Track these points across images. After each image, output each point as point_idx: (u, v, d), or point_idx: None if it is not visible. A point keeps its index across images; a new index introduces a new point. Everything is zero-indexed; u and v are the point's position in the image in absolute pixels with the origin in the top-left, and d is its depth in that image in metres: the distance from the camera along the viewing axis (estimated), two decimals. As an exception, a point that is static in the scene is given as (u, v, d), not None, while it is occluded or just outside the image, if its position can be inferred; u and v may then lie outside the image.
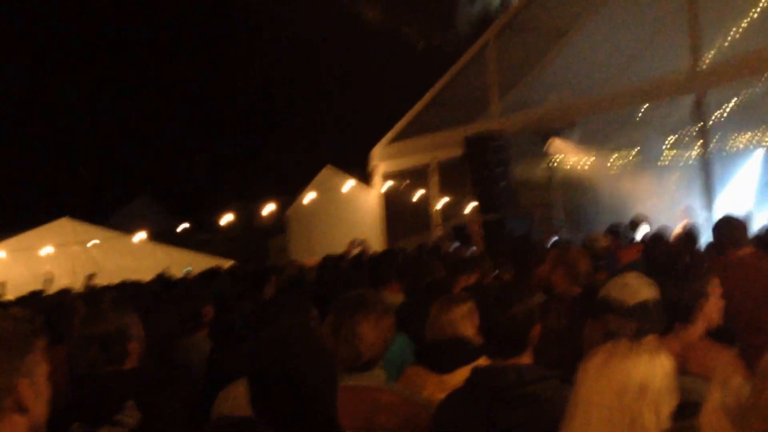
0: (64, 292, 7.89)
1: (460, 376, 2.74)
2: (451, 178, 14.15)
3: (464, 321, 3.16)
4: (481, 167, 12.24)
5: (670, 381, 1.90)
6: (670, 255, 4.46)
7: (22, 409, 1.57)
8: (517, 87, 13.75)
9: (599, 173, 14.02)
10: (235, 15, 34.61)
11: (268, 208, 15.39)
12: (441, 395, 2.66)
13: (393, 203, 15.58)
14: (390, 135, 15.61)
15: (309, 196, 16.40)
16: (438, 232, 14.40)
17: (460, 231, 13.03)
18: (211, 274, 8.89)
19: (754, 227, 6.92)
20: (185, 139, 35.01)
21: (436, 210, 14.77)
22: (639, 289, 2.77)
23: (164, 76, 33.93)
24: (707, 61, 10.95)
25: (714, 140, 11.68)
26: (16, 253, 14.88)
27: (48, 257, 14.91)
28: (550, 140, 13.22)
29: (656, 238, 6.11)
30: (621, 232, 7.61)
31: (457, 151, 12.79)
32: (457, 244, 11.49)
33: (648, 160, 14.45)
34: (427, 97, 14.61)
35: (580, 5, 12.66)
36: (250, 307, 4.55)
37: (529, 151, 13.53)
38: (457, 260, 6.13)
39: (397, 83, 24.56)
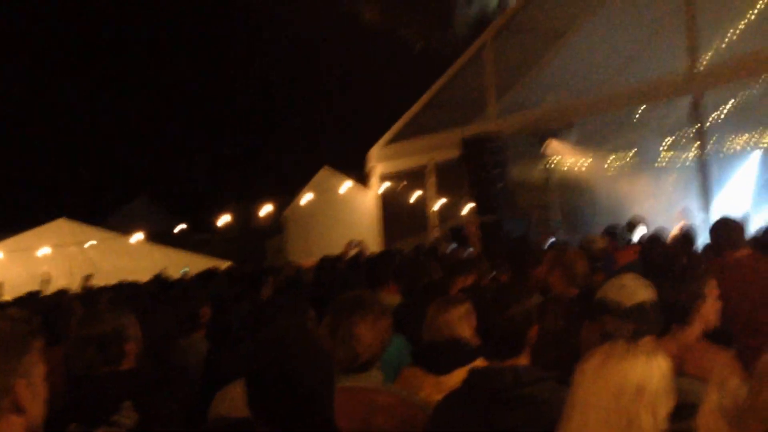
0: (61, 293, 7.91)
1: (457, 377, 2.74)
2: (449, 179, 14.14)
3: (461, 322, 3.16)
4: (478, 168, 12.25)
5: (667, 382, 1.90)
6: (667, 256, 4.48)
7: (19, 409, 1.57)
8: (514, 88, 13.74)
9: (596, 174, 14.04)
10: (235, 15, 34.54)
11: (266, 209, 15.39)
12: (438, 396, 2.66)
13: (390, 204, 15.54)
14: (387, 136, 15.59)
15: (306, 197, 16.38)
16: (435, 233, 14.37)
17: (457, 232, 13.01)
18: (208, 275, 8.87)
19: (751, 229, 6.92)
20: (184, 140, 34.92)
21: (434, 211, 14.75)
22: (636, 290, 2.78)
23: (163, 77, 33.85)
24: (704, 62, 10.97)
25: (711, 142, 11.69)
26: (13, 253, 14.87)
27: (45, 258, 14.89)
28: (547, 141, 13.24)
29: (653, 240, 6.13)
30: (618, 233, 7.63)
31: (454, 153, 12.79)
32: (454, 245, 11.47)
33: (645, 162, 14.46)
34: (425, 98, 14.58)
35: (577, 6, 12.64)
36: (247, 308, 4.56)
37: (526, 152, 13.54)
38: (454, 261, 6.14)
39: (394, 84, 24.53)
